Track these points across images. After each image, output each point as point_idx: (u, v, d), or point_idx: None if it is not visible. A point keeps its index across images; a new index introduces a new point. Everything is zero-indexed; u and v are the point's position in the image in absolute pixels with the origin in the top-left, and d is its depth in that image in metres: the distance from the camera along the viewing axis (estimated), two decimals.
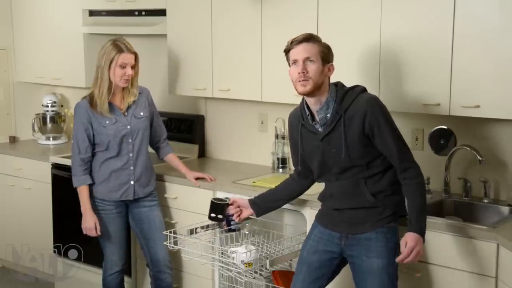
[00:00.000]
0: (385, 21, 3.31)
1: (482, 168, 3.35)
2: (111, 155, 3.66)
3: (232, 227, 3.34)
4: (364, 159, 2.79)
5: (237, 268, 3.09)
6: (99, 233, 3.68)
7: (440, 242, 2.93)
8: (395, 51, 3.29)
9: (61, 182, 4.47)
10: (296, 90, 2.81)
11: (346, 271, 2.98)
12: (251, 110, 4.32)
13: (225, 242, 3.41)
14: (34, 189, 4.80)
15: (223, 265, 3.21)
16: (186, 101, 4.63)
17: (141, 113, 3.71)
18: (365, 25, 3.38)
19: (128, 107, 3.68)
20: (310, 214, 3.24)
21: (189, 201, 3.86)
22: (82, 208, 3.68)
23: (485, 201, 3.33)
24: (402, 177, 2.78)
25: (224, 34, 4.01)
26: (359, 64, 3.43)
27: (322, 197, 2.99)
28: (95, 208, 3.69)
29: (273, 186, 3.34)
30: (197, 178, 3.83)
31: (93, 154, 3.68)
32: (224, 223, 3.32)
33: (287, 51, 2.84)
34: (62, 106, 5.42)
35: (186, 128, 4.58)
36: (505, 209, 3.25)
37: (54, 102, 5.30)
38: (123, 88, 3.66)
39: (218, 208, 3.24)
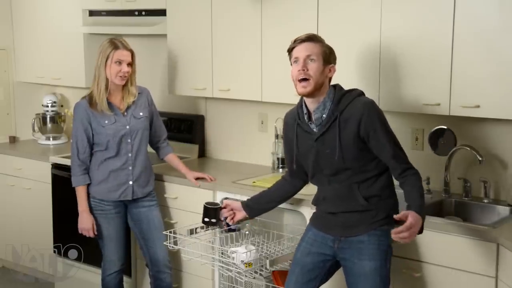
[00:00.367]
0: (385, 21, 3.31)
1: (482, 168, 3.35)
2: (110, 155, 3.66)
3: (232, 227, 3.34)
4: (357, 162, 2.79)
5: (237, 268, 3.09)
6: (95, 233, 3.69)
7: (440, 242, 2.93)
8: (395, 51, 3.29)
9: (61, 182, 4.47)
10: (296, 90, 2.81)
11: (339, 274, 2.98)
12: (251, 110, 4.33)
13: (225, 242, 3.41)
14: (34, 189, 4.80)
15: (223, 265, 3.21)
16: (186, 101, 4.63)
17: (141, 113, 3.71)
18: (365, 25, 3.38)
19: (128, 107, 3.68)
20: (309, 214, 3.23)
21: (189, 201, 3.86)
22: (79, 208, 3.69)
23: (485, 201, 3.33)
24: (401, 176, 2.78)
25: (224, 34, 4.01)
26: (359, 64, 3.43)
27: (315, 200, 3.00)
28: (93, 208, 3.69)
29: None
30: (197, 178, 3.83)
31: (92, 154, 3.68)
32: (224, 223, 3.32)
33: (290, 50, 2.85)
34: (62, 106, 5.42)
35: (186, 128, 4.58)
36: (505, 209, 3.25)
37: (54, 102, 5.31)
38: (123, 88, 3.66)
39: (211, 212, 3.25)
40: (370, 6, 3.34)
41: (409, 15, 3.24)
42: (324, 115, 2.81)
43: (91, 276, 4.33)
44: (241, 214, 3.23)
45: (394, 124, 3.55)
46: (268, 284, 3.38)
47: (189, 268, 3.93)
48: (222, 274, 3.54)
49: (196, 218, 3.42)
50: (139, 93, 3.73)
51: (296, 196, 3.24)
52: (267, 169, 4.11)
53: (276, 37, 3.66)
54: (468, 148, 3.34)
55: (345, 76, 3.43)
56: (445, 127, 3.43)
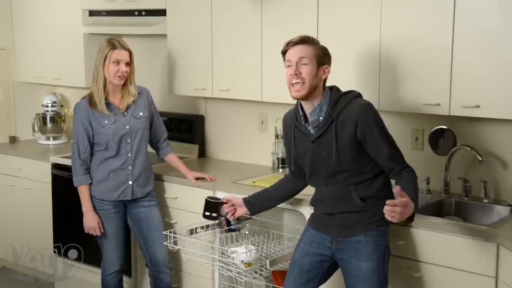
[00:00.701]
0: (385, 21, 3.31)
1: (482, 168, 3.35)
2: (110, 155, 3.66)
3: (232, 227, 3.34)
4: (354, 164, 2.80)
5: (237, 268, 3.10)
6: (102, 231, 3.69)
7: (440, 242, 2.93)
8: (395, 51, 3.29)
9: (61, 182, 4.47)
10: (290, 94, 2.82)
11: (338, 274, 2.99)
12: (251, 110, 4.33)
13: (225, 242, 3.41)
14: (34, 189, 4.80)
15: (223, 265, 3.21)
16: (186, 101, 4.63)
17: (140, 113, 3.72)
18: (365, 25, 3.38)
19: (128, 107, 3.68)
20: (309, 214, 3.23)
21: (189, 201, 3.86)
22: (84, 208, 3.69)
23: (485, 201, 3.33)
24: (396, 175, 2.78)
25: (224, 34, 4.01)
26: (359, 64, 3.43)
27: (313, 201, 3.01)
28: (93, 208, 3.69)
29: None
30: (197, 178, 3.83)
31: (92, 154, 3.69)
32: (224, 223, 3.33)
33: (283, 53, 2.85)
34: (62, 106, 5.42)
35: (186, 128, 4.58)
36: (505, 209, 3.25)
37: (54, 102, 5.31)
38: (123, 88, 3.66)
39: (212, 207, 3.26)
40: (370, 7, 3.34)
41: (409, 15, 3.24)
42: (320, 118, 2.82)
43: (91, 276, 4.33)
44: (242, 210, 3.23)
45: (394, 124, 3.56)
46: (268, 284, 3.39)
47: (189, 268, 3.93)
48: (222, 274, 3.54)
49: (196, 218, 3.42)
50: (139, 93, 3.73)
51: (296, 196, 3.24)
52: (267, 169, 4.11)
53: (276, 37, 3.66)
54: (468, 148, 3.34)
55: (345, 77, 3.44)
56: (445, 127, 3.43)
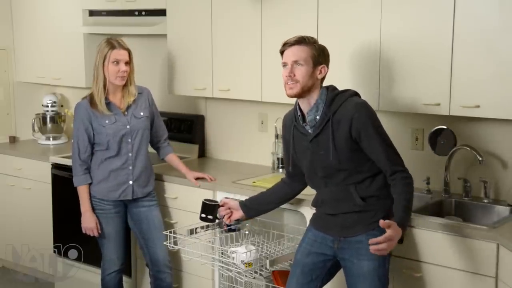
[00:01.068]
0: (385, 21, 3.31)
1: (482, 168, 3.35)
2: (110, 155, 3.66)
3: (232, 227, 3.34)
4: (351, 163, 2.80)
5: (237, 268, 3.10)
6: (100, 232, 3.69)
7: (440, 242, 2.93)
8: (395, 51, 3.29)
9: (61, 182, 4.47)
10: (285, 92, 2.85)
11: (340, 274, 2.99)
12: (251, 110, 4.33)
13: (225, 242, 3.41)
14: (34, 189, 4.80)
15: (223, 265, 3.21)
16: (186, 101, 4.63)
17: (141, 113, 3.72)
18: (365, 25, 3.38)
19: (128, 107, 3.68)
20: (310, 214, 3.23)
21: (189, 201, 3.86)
22: (82, 208, 3.69)
23: (485, 201, 3.33)
24: (391, 179, 2.78)
25: (224, 34, 4.01)
26: (359, 64, 3.43)
27: (315, 203, 3.01)
28: (93, 208, 3.70)
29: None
30: (197, 178, 3.83)
31: (93, 154, 3.69)
32: (224, 223, 3.33)
33: (281, 53, 2.88)
34: (62, 106, 5.43)
35: (186, 128, 4.58)
36: (505, 209, 3.25)
37: (54, 102, 5.31)
38: (123, 88, 3.66)
39: (209, 209, 3.27)
40: (370, 7, 3.34)
41: (409, 15, 3.24)
42: (317, 117, 2.83)
43: (91, 276, 4.33)
44: (238, 213, 3.23)
45: (394, 124, 3.57)
46: (268, 284, 3.38)
47: (189, 268, 3.93)
48: (222, 274, 3.54)
49: (196, 218, 3.41)
50: (139, 93, 3.73)
51: (297, 196, 3.24)
52: (267, 169, 4.11)
53: (276, 37, 3.64)
54: (468, 148, 3.33)
55: (345, 76, 3.44)
56: (445, 127, 3.43)
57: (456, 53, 3.11)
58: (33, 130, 5.31)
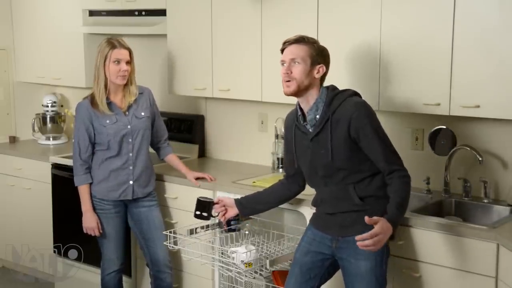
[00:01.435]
0: (385, 21, 3.31)
1: (482, 168, 3.35)
2: (111, 155, 3.66)
3: (232, 227, 3.34)
4: (350, 163, 2.81)
5: (237, 268, 3.10)
6: (101, 231, 3.70)
7: (440, 242, 2.93)
8: (395, 51, 3.29)
9: (61, 182, 4.47)
10: (283, 90, 2.87)
11: (338, 274, 2.99)
12: (251, 110, 4.33)
13: (225, 242, 3.41)
14: (34, 189, 4.80)
15: (223, 265, 3.21)
16: (186, 101, 4.63)
17: (142, 113, 3.72)
18: (365, 25, 3.38)
19: (129, 107, 3.68)
20: (310, 214, 3.23)
21: (189, 201, 3.85)
22: (83, 208, 3.69)
23: (485, 201, 3.33)
24: (388, 178, 2.79)
25: (224, 34, 4.01)
26: (359, 64, 3.43)
27: (314, 202, 3.02)
28: (93, 207, 3.70)
29: None
30: (197, 178, 3.83)
31: (94, 153, 3.69)
32: (224, 223, 3.33)
33: (281, 51, 2.91)
34: (62, 106, 5.43)
35: (186, 128, 4.58)
36: (505, 209, 3.25)
37: (54, 102, 5.31)
38: (124, 87, 3.66)
39: (204, 207, 3.28)
40: (370, 6, 3.34)
41: (409, 15, 3.24)
42: (317, 116, 2.84)
43: (91, 276, 4.33)
44: (233, 211, 3.24)
45: (394, 124, 3.57)
46: (268, 284, 3.38)
47: (189, 268, 3.93)
48: (222, 274, 3.54)
49: (197, 219, 3.42)
50: (140, 93, 3.73)
51: (297, 196, 3.24)
52: (267, 169, 4.11)
53: (276, 37, 3.64)
54: (468, 148, 3.34)
55: (345, 76, 3.44)
56: (445, 127, 3.43)
57: (456, 53, 3.11)
58: (33, 130, 5.31)
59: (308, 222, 3.15)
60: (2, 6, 5.27)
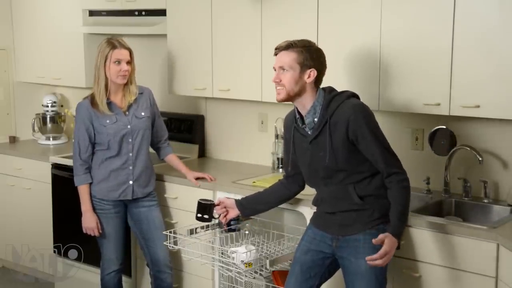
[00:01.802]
0: (385, 21, 3.31)
1: (482, 168, 3.35)
2: (111, 155, 3.66)
3: (232, 227, 3.34)
4: (349, 164, 2.81)
5: (237, 268, 3.10)
6: (100, 231, 3.70)
7: (440, 242, 2.93)
8: (395, 51, 3.29)
9: (61, 182, 4.47)
10: (276, 96, 2.89)
11: (338, 273, 2.99)
12: (251, 110, 4.33)
13: (225, 242, 3.41)
14: (34, 189, 4.80)
15: (223, 265, 3.21)
16: (186, 101, 4.63)
17: (142, 113, 3.72)
18: (365, 25, 3.38)
19: (129, 107, 3.69)
20: (309, 214, 3.23)
21: (189, 201, 3.86)
22: (83, 208, 3.69)
23: (485, 201, 3.33)
24: (387, 182, 2.79)
25: (224, 34, 4.01)
26: (359, 64, 3.43)
27: (315, 201, 3.03)
28: (93, 207, 3.70)
29: None
30: (197, 178, 3.83)
31: (94, 153, 3.69)
32: (224, 223, 3.33)
33: (275, 55, 2.91)
34: (62, 106, 5.42)
35: (186, 128, 4.58)
36: (505, 209, 3.25)
37: (54, 102, 5.31)
38: (124, 87, 3.67)
39: (205, 209, 3.28)
40: (370, 7, 3.34)
41: (409, 15, 3.24)
42: (315, 119, 2.84)
43: (91, 276, 4.33)
44: (234, 212, 3.24)
45: (394, 124, 3.57)
46: (268, 284, 3.38)
47: (189, 268, 3.93)
48: (222, 274, 3.54)
49: None
50: (141, 93, 3.73)
51: (296, 196, 3.24)
52: (267, 169, 4.11)
53: (276, 37, 3.64)
54: (468, 148, 3.34)
55: (344, 76, 3.44)
56: (445, 127, 3.43)
57: (456, 53, 3.11)
58: (33, 130, 5.31)
59: (308, 222, 3.15)
60: (2, 6, 5.27)
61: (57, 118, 5.28)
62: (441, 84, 3.16)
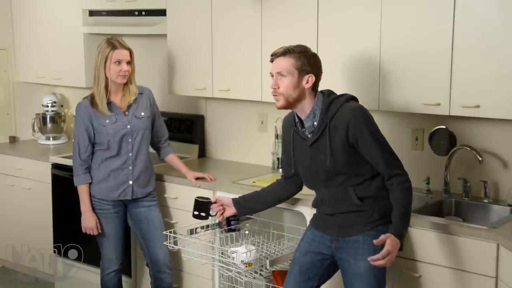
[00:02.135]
0: (385, 21, 3.31)
1: (482, 168, 3.35)
2: (111, 155, 3.66)
3: (232, 227, 3.34)
4: (349, 167, 2.81)
5: (237, 268, 3.10)
6: (100, 231, 3.70)
7: (440, 242, 2.93)
8: (395, 51, 3.29)
9: (61, 182, 4.47)
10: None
11: (337, 274, 2.99)
12: (251, 110, 4.33)
13: (225, 242, 3.41)
14: (34, 189, 4.80)
15: (223, 265, 3.21)
16: (186, 101, 4.63)
17: (142, 113, 3.72)
18: (365, 25, 3.38)
19: (129, 107, 3.69)
20: (310, 214, 3.23)
21: (189, 201, 3.83)
22: (82, 208, 3.70)
23: (485, 201, 3.33)
24: (389, 184, 2.79)
25: (224, 34, 4.01)
26: (359, 64, 3.43)
27: (315, 203, 3.03)
28: (93, 207, 3.70)
29: None
30: (197, 178, 3.83)
31: (94, 153, 3.69)
32: (224, 223, 3.33)
33: (271, 62, 2.90)
34: (62, 106, 5.42)
35: (186, 128, 4.58)
36: (505, 209, 3.25)
37: (54, 102, 5.31)
38: (124, 87, 3.67)
39: (202, 206, 3.28)
40: (370, 7, 3.34)
41: (409, 15, 3.24)
42: (315, 123, 2.84)
43: (91, 276, 4.33)
44: (231, 210, 3.24)
45: (394, 124, 3.57)
46: (268, 284, 3.39)
47: (189, 268, 3.93)
48: (222, 274, 3.54)
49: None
50: (140, 93, 3.74)
51: (296, 196, 3.25)
52: (267, 169, 4.11)
53: (276, 37, 3.66)
54: (468, 148, 3.34)
55: (345, 76, 3.44)
56: (445, 127, 3.43)
57: (456, 53, 3.11)
58: (33, 130, 5.31)
59: (308, 222, 3.16)
60: (2, 6, 5.27)
61: (57, 118, 5.28)
62: (441, 84, 3.16)
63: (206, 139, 4.62)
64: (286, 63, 2.81)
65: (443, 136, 3.44)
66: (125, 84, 3.66)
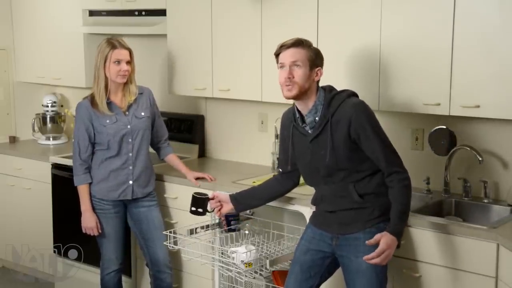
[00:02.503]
0: (385, 21, 3.31)
1: (482, 168, 3.35)
2: (111, 155, 3.66)
3: (232, 227, 3.34)
4: (350, 163, 2.81)
5: (237, 268, 3.10)
6: (100, 231, 3.70)
7: (440, 242, 2.93)
8: (395, 51, 3.29)
9: (61, 182, 4.47)
10: (283, 93, 2.85)
11: (339, 272, 2.99)
12: (251, 110, 4.33)
13: (225, 242, 3.41)
14: (34, 189, 4.80)
15: (223, 265, 3.21)
16: (186, 101, 4.63)
17: (142, 113, 3.72)
18: (365, 25, 3.38)
19: (129, 107, 3.69)
20: (309, 213, 3.23)
21: (189, 201, 3.84)
22: (82, 207, 3.70)
23: (485, 201, 3.33)
24: (388, 181, 2.79)
25: (224, 34, 4.01)
26: (359, 64, 3.43)
27: (314, 200, 3.03)
28: (93, 207, 3.70)
29: None
30: (197, 178, 3.83)
31: (94, 153, 3.69)
32: (224, 223, 3.33)
33: (277, 55, 2.88)
34: (62, 106, 5.43)
35: (186, 128, 4.58)
36: (505, 209, 3.25)
37: (54, 102, 5.31)
38: (124, 87, 3.67)
39: (199, 202, 3.29)
40: (370, 7, 3.34)
41: (409, 15, 3.24)
42: (316, 118, 2.84)
43: (91, 276, 4.33)
44: (228, 206, 3.25)
45: (394, 124, 3.57)
46: (268, 284, 3.39)
47: (189, 268, 3.93)
48: (222, 274, 3.54)
49: (196, 218, 3.42)
50: (140, 93, 3.74)
51: (296, 196, 3.25)
52: (267, 169, 4.11)
53: (276, 37, 3.64)
54: (468, 148, 3.34)
55: (345, 76, 3.44)
56: (445, 127, 3.43)
57: (456, 53, 3.11)
58: (33, 130, 5.31)
59: (307, 221, 3.15)
60: (2, 6, 5.27)
61: (57, 118, 5.28)
62: (441, 84, 3.16)
63: (206, 139, 4.62)
64: (300, 54, 2.81)
65: (443, 136, 3.44)
66: (125, 84, 3.67)
